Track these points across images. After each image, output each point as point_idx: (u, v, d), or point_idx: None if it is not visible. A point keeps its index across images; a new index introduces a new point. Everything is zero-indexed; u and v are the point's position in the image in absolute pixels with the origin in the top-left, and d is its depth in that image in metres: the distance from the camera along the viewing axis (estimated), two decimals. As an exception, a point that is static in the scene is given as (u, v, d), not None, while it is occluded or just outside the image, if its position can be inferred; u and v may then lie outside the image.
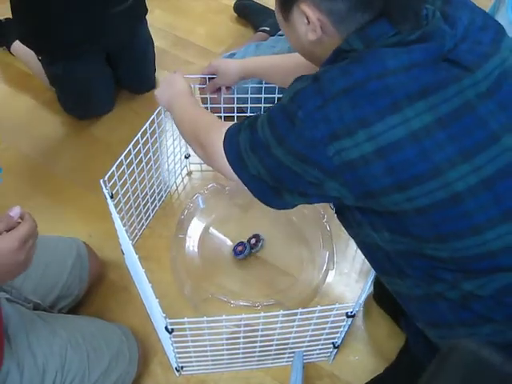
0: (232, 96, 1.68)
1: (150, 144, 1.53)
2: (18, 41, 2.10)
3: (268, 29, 2.24)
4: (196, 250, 1.68)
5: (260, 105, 1.69)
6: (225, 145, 1.04)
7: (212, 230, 1.73)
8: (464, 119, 0.85)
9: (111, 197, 1.33)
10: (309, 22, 0.92)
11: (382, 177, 0.85)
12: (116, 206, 1.36)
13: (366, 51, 0.88)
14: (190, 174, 1.90)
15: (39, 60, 1.94)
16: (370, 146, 0.84)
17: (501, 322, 0.93)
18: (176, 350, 1.26)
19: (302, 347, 1.35)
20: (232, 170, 1.04)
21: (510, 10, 1.51)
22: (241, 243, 1.65)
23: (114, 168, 1.37)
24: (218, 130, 1.08)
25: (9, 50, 2.25)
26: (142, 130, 1.47)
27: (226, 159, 1.04)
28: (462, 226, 0.88)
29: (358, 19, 0.89)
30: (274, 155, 0.93)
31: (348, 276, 1.63)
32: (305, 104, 0.87)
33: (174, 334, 1.15)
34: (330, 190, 0.91)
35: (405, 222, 0.90)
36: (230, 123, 1.08)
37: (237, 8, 2.49)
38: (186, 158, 1.86)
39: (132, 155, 1.44)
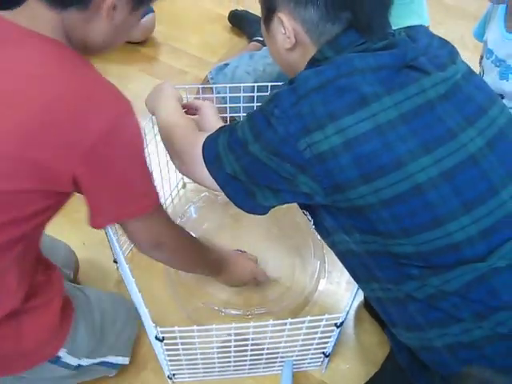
0: (224, 106, 1.69)
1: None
2: None
3: (262, 39, 2.25)
4: None
5: (253, 104, 1.69)
6: (203, 148, 1.09)
7: (204, 239, 1.73)
8: (424, 116, 0.92)
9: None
10: (285, 30, 1.00)
11: (349, 168, 0.90)
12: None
13: (337, 57, 0.95)
14: (184, 186, 1.91)
15: None
16: (338, 139, 0.89)
17: (467, 320, 0.96)
18: (167, 358, 1.27)
19: (292, 356, 1.36)
20: (207, 174, 1.09)
21: (502, 23, 1.52)
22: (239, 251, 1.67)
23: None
24: (195, 138, 1.13)
25: None
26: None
27: (202, 165, 1.09)
28: (426, 217, 0.92)
29: (329, 30, 0.97)
30: (250, 152, 0.98)
31: (339, 285, 1.65)
32: (281, 103, 0.93)
33: (165, 342, 1.17)
34: (301, 184, 0.95)
35: (371, 218, 0.94)
36: (208, 132, 1.13)
37: (231, 18, 2.51)
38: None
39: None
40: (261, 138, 0.96)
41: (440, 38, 1.05)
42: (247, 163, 1.00)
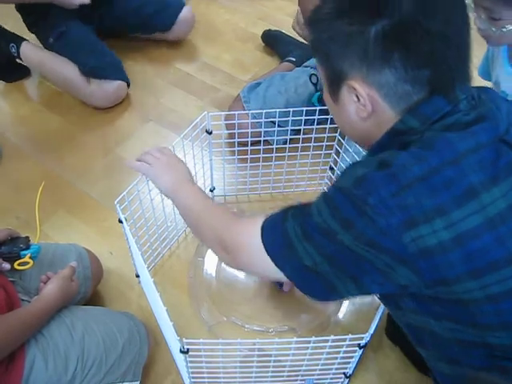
0: (259, 120, 1.71)
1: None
2: (27, 48, 2.27)
3: (294, 59, 2.29)
4: (213, 273, 1.71)
5: (287, 128, 1.72)
6: (265, 237, 1.00)
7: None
8: None
9: (125, 220, 1.36)
10: (358, 98, 0.92)
11: (458, 264, 0.84)
12: (131, 228, 1.39)
13: (432, 136, 0.87)
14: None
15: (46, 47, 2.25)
16: (447, 234, 0.83)
17: None
18: (190, 371, 1.28)
19: (313, 375, 1.36)
20: (257, 262, 1.02)
21: (507, 63, 1.51)
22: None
23: (125, 193, 1.38)
24: (236, 225, 1.08)
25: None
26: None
27: (249, 252, 1.02)
28: None
29: (408, 93, 0.89)
30: (338, 241, 0.89)
31: (361, 306, 1.65)
32: (375, 190, 0.84)
33: (189, 354, 1.18)
34: (399, 277, 0.88)
35: (473, 311, 0.89)
36: (257, 218, 1.05)
37: (264, 37, 2.54)
38: (211, 191, 1.88)
39: (147, 182, 1.45)
40: (353, 228, 0.87)
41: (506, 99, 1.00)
42: (333, 253, 0.91)
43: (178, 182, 1.27)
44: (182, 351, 1.15)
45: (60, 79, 2.24)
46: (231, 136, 1.75)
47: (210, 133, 1.62)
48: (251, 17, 2.72)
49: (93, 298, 1.60)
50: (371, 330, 1.18)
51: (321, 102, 1.92)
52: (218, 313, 1.61)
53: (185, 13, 2.43)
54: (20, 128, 2.18)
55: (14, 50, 2.27)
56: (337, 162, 1.78)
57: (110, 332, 1.34)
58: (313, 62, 2.09)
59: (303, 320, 1.60)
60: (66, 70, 2.18)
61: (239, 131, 1.70)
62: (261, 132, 1.75)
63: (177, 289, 1.67)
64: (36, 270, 1.39)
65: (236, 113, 1.67)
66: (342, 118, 1.00)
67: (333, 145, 1.75)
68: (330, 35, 0.91)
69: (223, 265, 1.72)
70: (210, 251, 1.75)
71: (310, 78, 2.01)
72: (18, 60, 2.32)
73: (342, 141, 1.70)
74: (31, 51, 2.27)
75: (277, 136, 1.74)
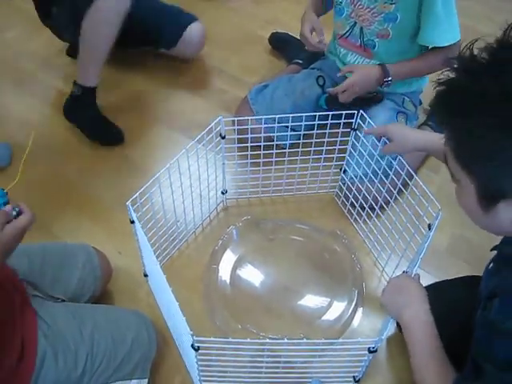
0: (269, 126, 1.72)
1: (179, 172, 1.56)
2: None
3: (301, 61, 2.30)
4: (228, 280, 1.70)
5: (298, 132, 1.74)
6: None
7: (244, 262, 1.75)
8: None
9: (135, 221, 1.37)
10: None
11: None
12: (143, 227, 1.40)
13: None
14: (226, 209, 1.93)
15: None
16: None
17: None
18: (200, 369, 1.28)
19: (322, 377, 1.36)
20: None
21: None
22: None
23: (137, 194, 1.39)
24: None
25: None
26: (172, 162, 1.49)
27: None
28: None
29: None
30: None
31: (376, 315, 1.64)
32: None
33: (199, 352, 1.18)
34: None
35: None
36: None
37: (272, 40, 2.55)
38: (223, 193, 1.89)
39: (158, 184, 1.47)
40: None
41: None
42: None
43: (404, 308, 1.22)
44: (193, 347, 1.15)
45: None
46: (242, 140, 1.75)
47: (224, 137, 1.63)
48: (259, 20, 2.73)
49: (102, 297, 1.61)
50: (382, 336, 1.18)
51: (328, 104, 1.93)
52: (233, 320, 1.60)
53: (193, 29, 2.32)
54: (30, 131, 2.17)
55: None
56: (350, 164, 1.78)
57: (119, 329, 1.36)
58: (319, 64, 2.10)
59: (318, 328, 1.59)
60: None
61: (251, 136, 1.71)
62: (271, 136, 1.75)
63: (185, 288, 1.67)
64: (45, 269, 1.40)
65: (249, 118, 1.67)
66: (483, 220, 0.94)
67: (346, 148, 1.76)
68: (491, 151, 0.82)
69: (238, 272, 1.72)
70: (224, 258, 1.75)
71: (317, 80, 2.01)
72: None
73: (355, 143, 1.70)
74: None
75: (286, 140, 1.74)
